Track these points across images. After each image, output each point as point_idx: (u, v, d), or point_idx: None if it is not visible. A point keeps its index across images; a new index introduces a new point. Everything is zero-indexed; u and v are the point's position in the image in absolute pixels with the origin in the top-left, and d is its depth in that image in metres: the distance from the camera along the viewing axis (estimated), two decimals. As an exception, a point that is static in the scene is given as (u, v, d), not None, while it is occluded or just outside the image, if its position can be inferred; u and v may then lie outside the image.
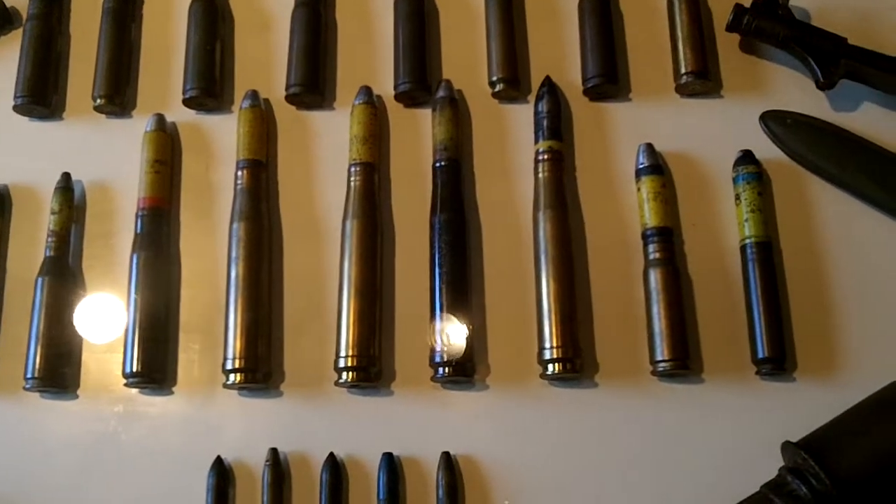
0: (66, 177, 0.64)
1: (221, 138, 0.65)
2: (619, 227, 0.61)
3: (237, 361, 0.58)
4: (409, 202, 0.63)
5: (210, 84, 0.65)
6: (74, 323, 0.62)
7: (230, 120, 0.65)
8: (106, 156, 0.66)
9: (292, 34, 0.65)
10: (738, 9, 0.63)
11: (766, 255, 0.59)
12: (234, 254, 0.61)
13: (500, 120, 0.64)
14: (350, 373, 0.58)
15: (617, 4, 0.67)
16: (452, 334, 0.58)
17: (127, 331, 0.60)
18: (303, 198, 0.64)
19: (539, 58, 0.66)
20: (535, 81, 0.65)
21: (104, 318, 0.62)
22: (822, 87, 0.62)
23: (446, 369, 0.58)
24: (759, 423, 0.57)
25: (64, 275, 0.62)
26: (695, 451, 0.57)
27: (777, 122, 0.63)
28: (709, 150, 0.63)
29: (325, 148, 0.65)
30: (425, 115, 0.65)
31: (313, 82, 0.64)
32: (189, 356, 0.61)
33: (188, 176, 0.65)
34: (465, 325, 0.59)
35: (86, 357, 0.62)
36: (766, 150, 0.62)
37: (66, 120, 0.67)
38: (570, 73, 0.65)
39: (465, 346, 0.58)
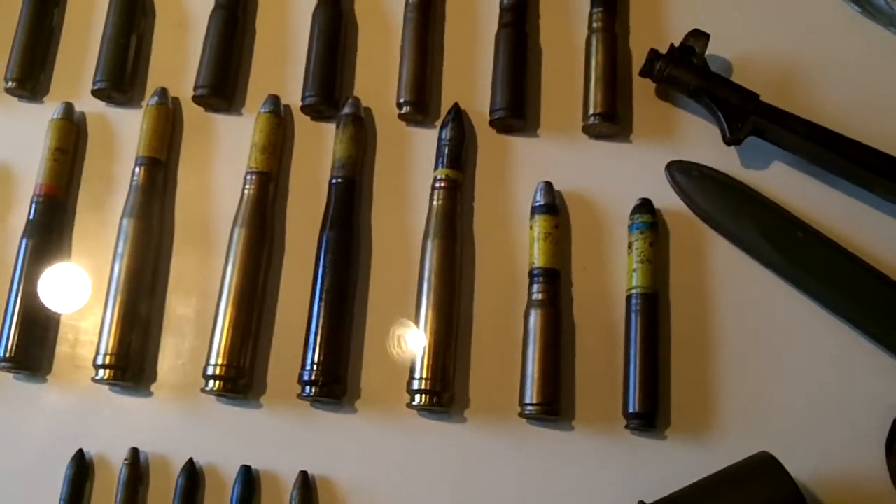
0: (-32, 158, 0.65)
1: (127, 133, 0.65)
2: (509, 263, 0.61)
3: (108, 357, 0.58)
4: (303, 216, 0.62)
5: (119, 78, 0.64)
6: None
7: (138, 115, 0.65)
8: (13, 139, 0.66)
9: (207, 35, 0.65)
10: (653, 54, 0.62)
11: (650, 307, 0.58)
12: (119, 249, 0.60)
13: (405, 143, 0.64)
14: (217, 381, 0.57)
15: (536, 38, 0.66)
16: (324, 354, 0.58)
17: (5, 315, 0.60)
18: (198, 201, 0.63)
19: (451, 84, 0.65)
20: (445, 106, 0.64)
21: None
22: (728, 142, 0.60)
23: (313, 388, 0.57)
24: (624, 477, 0.57)
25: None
26: (557, 499, 0.56)
27: (683, 173, 0.62)
28: (611, 195, 0.62)
29: (227, 153, 0.64)
30: (331, 129, 0.64)
31: (221, 85, 0.64)
32: (65, 347, 0.61)
33: (90, 167, 0.65)
34: (339, 346, 0.58)
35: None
36: (669, 199, 0.62)
37: (-22, 99, 0.69)
38: (481, 103, 0.64)
39: (335, 367, 0.58)
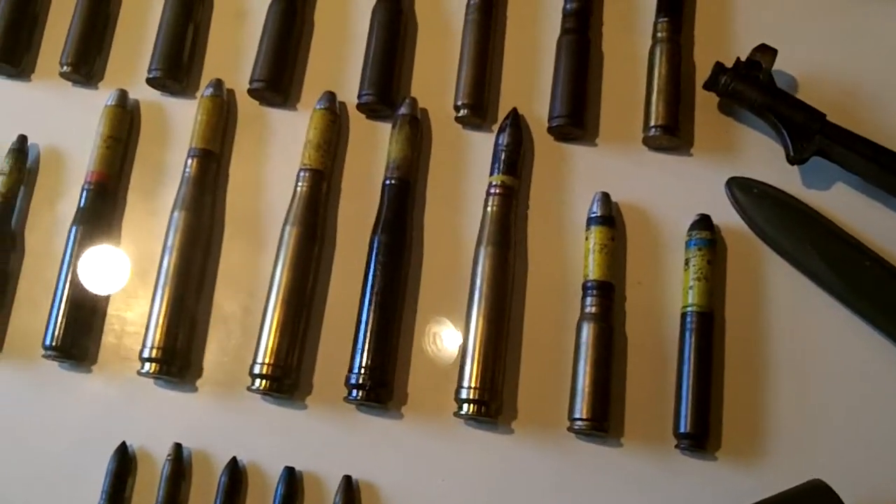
0: (22, 139, 0.63)
1: (181, 123, 0.64)
2: (562, 273, 0.60)
3: (154, 351, 0.58)
4: (355, 215, 0.62)
5: (175, 67, 0.64)
6: (6, 287, 0.61)
7: (193, 105, 0.64)
8: (66, 123, 0.65)
9: (265, 27, 0.64)
10: (718, 68, 0.60)
11: (705, 326, 0.57)
12: (169, 242, 0.60)
13: (461, 146, 0.63)
14: (263, 381, 0.57)
15: (598, 45, 0.65)
16: (373, 357, 0.57)
17: (53, 302, 0.60)
18: (250, 195, 0.63)
19: (510, 88, 0.64)
20: (503, 111, 0.63)
21: (35, 286, 0.61)
22: (791, 161, 0.59)
23: (360, 392, 0.57)
24: (672, 498, 0.56)
25: (3, 240, 0.61)
26: (601, 515, 0.56)
27: (742, 190, 0.61)
28: (668, 208, 0.61)
29: (281, 148, 0.64)
30: (386, 128, 0.63)
31: (277, 81, 0.63)
32: (111, 338, 0.60)
33: (142, 156, 0.64)
34: (387, 350, 0.57)
35: (14, 322, 0.61)
36: (728, 216, 0.60)
37: (33, 82, 0.67)
38: (540, 109, 0.63)
39: (383, 371, 0.57)
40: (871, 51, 0.64)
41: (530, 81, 0.64)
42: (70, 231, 0.61)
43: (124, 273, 0.61)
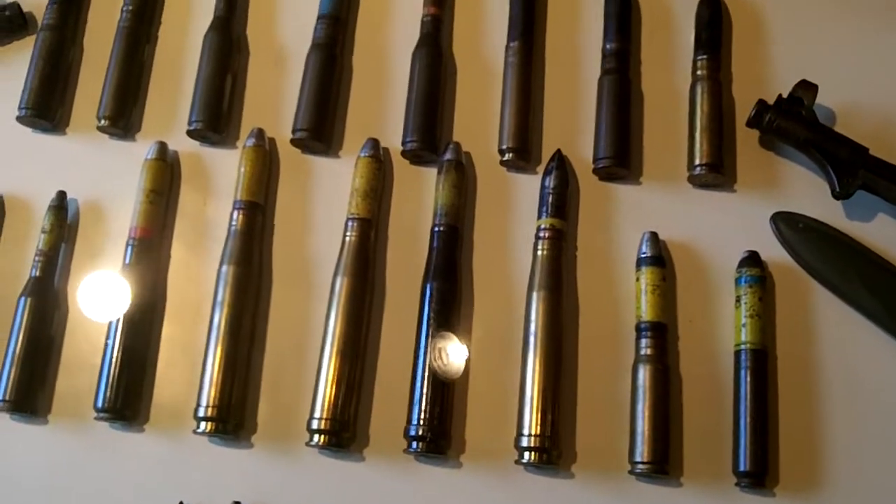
0: (61, 195, 0.63)
1: (222, 173, 0.64)
2: (614, 314, 0.60)
3: (209, 410, 0.57)
4: (404, 262, 0.62)
5: (215, 118, 0.63)
6: (52, 348, 0.60)
7: (233, 155, 0.64)
8: (105, 176, 0.65)
9: (305, 75, 0.64)
10: (761, 105, 0.61)
11: (760, 363, 0.57)
12: (219, 297, 0.59)
13: (506, 189, 0.63)
14: (322, 436, 0.56)
15: (638, 84, 0.65)
16: (431, 408, 0.57)
17: (102, 362, 0.59)
18: (297, 246, 0.62)
19: (553, 129, 0.64)
20: (546, 152, 0.64)
21: (83, 346, 0.61)
22: (836, 196, 0.60)
23: (420, 444, 0.56)
24: (734, 534, 0.57)
25: (47, 297, 0.61)
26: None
27: (788, 225, 0.62)
28: (715, 245, 0.61)
29: (325, 196, 0.63)
30: (431, 173, 0.63)
31: (320, 129, 0.63)
32: (163, 396, 0.59)
33: (184, 208, 0.64)
34: (445, 400, 0.57)
35: (61, 384, 0.60)
36: (774, 251, 0.61)
37: (69, 135, 0.66)
38: (583, 149, 0.63)
39: (441, 421, 0.57)
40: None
41: (573, 121, 0.64)
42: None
43: (173, 329, 0.61)
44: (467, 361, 0.59)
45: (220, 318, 0.59)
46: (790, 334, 0.59)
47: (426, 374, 0.57)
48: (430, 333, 0.58)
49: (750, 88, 0.64)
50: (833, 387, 0.58)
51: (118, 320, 0.59)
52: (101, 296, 0.62)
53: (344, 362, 0.57)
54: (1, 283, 0.62)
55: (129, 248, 0.61)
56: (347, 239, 0.60)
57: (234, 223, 0.61)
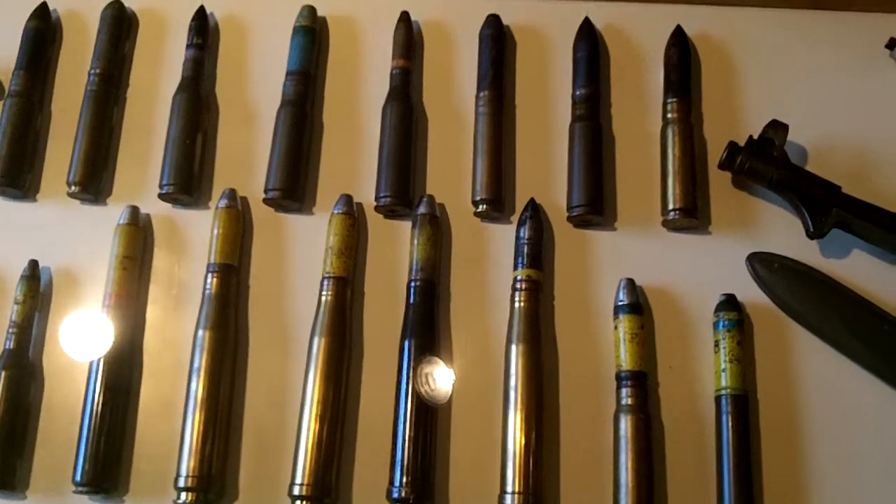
0: (33, 265, 0.62)
1: (196, 234, 0.64)
2: (594, 363, 0.60)
3: (189, 480, 0.56)
4: (381, 319, 0.61)
5: (187, 181, 0.63)
6: (29, 421, 0.59)
7: (206, 216, 0.63)
8: (77, 242, 0.64)
9: (276, 133, 0.64)
10: (733, 147, 0.61)
11: (741, 408, 0.57)
12: (196, 363, 0.59)
13: (481, 239, 0.63)
14: (304, 502, 0.55)
15: (609, 128, 0.65)
16: (413, 469, 0.56)
17: (80, 434, 0.58)
18: (273, 307, 0.62)
19: (525, 177, 0.64)
20: (520, 201, 0.63)
21: (61, 416, 0.60)
22: (811, 236, 0.60)
23: (404, 505, 0.57)
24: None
25: (22, 370, 0.60)
26: None
27: (764, 265, 0.62)
28: (692, 288, 0.61)
29: (300, 254, 0.63)
30: (405, 227, 0.63)
31: (292, 188, 0.62)
32: (143, 465, 0.58)
33: (158, 271, 0.63)
34: (427, 459, 0.56)
35: (39, 457, 0.59)
36: (751, 292, 0.61)
37: (40, 202, 0.65)
38: (557, 196, 0.63)
39: (424, 482, 0.56)
40: (879, 116, 0.65)
41: (545, 169, 0.64)
42: (92, 360, 0.59)
43: (151, 396, 0.60)
44: (448, 417, 0.58)
45: (198, 385, 0.58)
46: (771, 376, 0.59)
47: (407, 433, 0.57)
48: (410, 391, 0.57)
49: (721, 129, 0.65)
50: (816, 429, 0.58)
51: (95, 389, 0.58)
52: (77, 362, 0.61)
53: (324, 426, 0.57)
54: (-25, 356, 0.63)
55: (105, 314, 0.60)
56: (323, 298, 0.60)
57: (208, 287, 0.60)
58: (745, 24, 0.68)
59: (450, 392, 0.58)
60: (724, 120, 0.65)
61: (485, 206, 0.62)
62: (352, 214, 0.62)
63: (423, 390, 0.58)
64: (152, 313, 0.62)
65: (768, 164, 0.60)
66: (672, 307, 0.61)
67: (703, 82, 0.66)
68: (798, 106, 0.64)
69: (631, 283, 0.60)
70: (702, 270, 0.62)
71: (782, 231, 0.62)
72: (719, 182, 0.63)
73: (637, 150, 0.64)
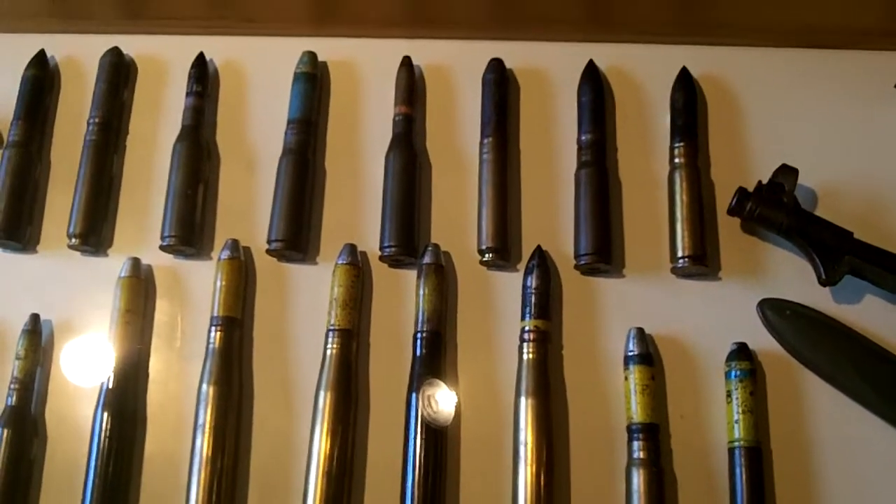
0: (35, 319, 0.61)
1: (198, 285, 0.63)
2: (604, 415, 0.59)
3: (195, 541, 0.57)
4: (387, 370, 0.60)
5: (189, 232, 0.62)
6: (31, 478, 0.58)
7: (208, 267, 0.63)
8: (78, 294, 0.63)
9: (278, 182, 0.63)
10: (742, 193, 0.60)
11: (755, 460, 0.56)
12: (200, 419, 0.58)
13: (487, 287, 0.62)
14: (312, 562, 0.56)
15: (616, 173, 0.64)
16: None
17: (84, 492, 0.57)
18: (277, 360, 0.61)
19: (531, 223, 0.63)
20: (526, 247, 0.62)
21: (64, 472, 0.59)
22: (823, 283, 0.59)
23: (413, 567, 0.56)
24: None
25: (25, 426, 0.59)
26: None
27: (775, 312, 0.61)
28: (702, 336, 0.60)
29: (304, 304, 0.62)
30: (410, 275, 0.62)
31: (295, 238, 0.62)
32: (148, 524, 0.59)
33: (161, 324, 0.62)
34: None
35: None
36: (763, 339, 0.60)
37: (40, 253, 0.64)
38: (563, 243, 0.62)
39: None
40: (889, 157, 0.64)
41: (550, 215, 0.63)
42: (96, 415, 0.58)
43: (155, 452, 0.59)
44: (457, 471, 0.58)
45: (203, 441, 0.57)
46: (784, 425, 0.58)
47: (416, 489, 0.55)
48: (418, 446, 0.56)
49: (729, 171, 0.64)
50: (831, 479, 0.57)
51: (98, 444, 0.57)
52: (81, 418, 0.60)
53: (330, 482, 0.56)
54: (-23, 412, 0.62)
55: (107, 373, 0.59)
56: (329, 352, 0.59)
57: (212, 342, 0.60)
58: (750, 64, 0.67)
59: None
60: (732, 162, 0.64)
61: (491, 255, 0.61)
62: (356, 265, 0.61)
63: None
64: (155, 367, 0.61)
65: (778, 210, 0.59)
66: (682, 355, 0.60)
67: (709, 124, 0.65)
68: (806, 148, 0.64)
69: (641, 333, 0.59)
70: (712, 317, 0.61)
71: (793, 276, 0.61)
72: (728, 227, 0.62)
73: (644, 194, 0.63)
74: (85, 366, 0.62)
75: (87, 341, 0.62)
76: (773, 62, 0.67)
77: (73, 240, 0.63)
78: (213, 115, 0.67)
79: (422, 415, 0.57)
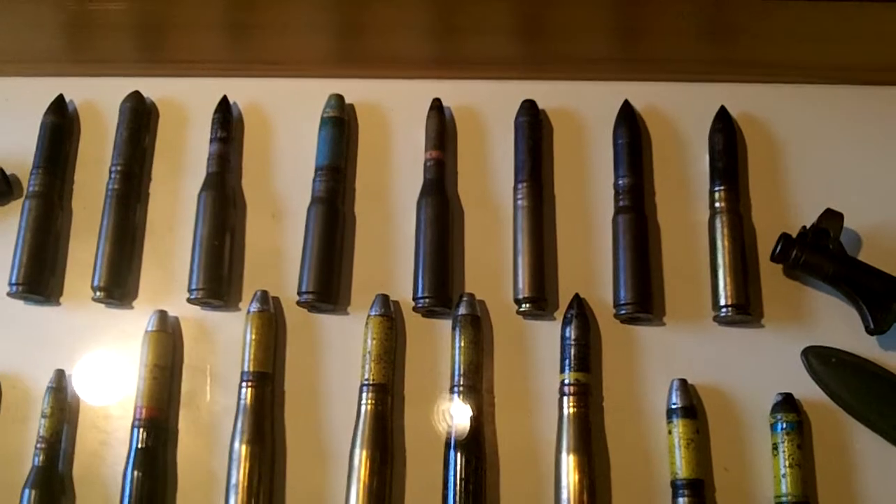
0: (60, 375, 0.60)
1: (226, 337, 0.61)
2: (647, 469, 0.57)
3: None
4: (423, 425, 0.59)
5: (217, 284, 0.60)
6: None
7: (236, 318, 0.61)
8: (104, 347, 0.61)
9: (307, 232, 0.61)
10: (786, 240, 0.59)
11: (803, 517, 0.56)
12: (233, 479, 0.56)
13: (524, 338, 0.60)
14: None
15: (654, 216, 0.62)
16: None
17: (115, 556, 0.57)
18: (310, 414, 0.59)
19: (568, 270, 0.62)
20: (563, 295, 0.61)
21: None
22: (871, 332, 0.57)
23: None
24: None
25: (52, 487, 0.57)
26: None
27: (820, 360, 0.59)
28: (746, 385, 0.59)
29: (336, 356, 0.60)
30: (443, 325, 0.60)
31: (326, 289, 0.60)
32: (181, 588, 0.58)
33: (189, 378, 0.60)
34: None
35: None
36: (807, 388, 0.58)
37: (63, 305, 0.62)
38: (601, 289, 0.61)
39: None
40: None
41: (587, 261, 0.62)
42: (126, 474, 0.57)
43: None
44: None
45: (236, 502, 0.55)
46: (831, 479, 0.57)
47: (456, 551, 0.55)
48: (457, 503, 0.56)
49: (770, 215, 0.62)
50: (881, 533, 0.57)
51: (128, 509, 0.57)
52: (110, 476, 0.58)
53: (369, 545, 0.56)
54: (2, 470, 0.59)
55: (136, 429, 0.57)
56: (363, 407, 0.57)
57: (243, 398, 0.58)
58: (790, 102, 0.65)
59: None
60: (772, 205, 0.62)
61: (528, 305, 0.59)
62: (389, 316, 0.59)
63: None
64: (185, 423, 0.60)
65: (824, 257, 0.58)
66: (725, 405, 0.59)
67: (748, 165, 0.63)
68: (849, 189, 0.62)
69: (684, 385, 0.58)
70: (755, 366, 0.59)
71: (837, 322, 0.60)
72: (770, 272, 0.61)
73: (683, 240, 0.62)
74: (112, 422, 0.60)
75: (114, 397, 0.61)
76: (814, 99, 0.65)
77: (98, 293, 0.61)
78: (238, 160, 0.66)
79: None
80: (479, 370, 0.59)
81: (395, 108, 0.66)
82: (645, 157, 0.64)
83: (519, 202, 0.62)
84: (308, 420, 0.59)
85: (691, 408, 0.57)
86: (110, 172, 0.64)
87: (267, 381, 0.59)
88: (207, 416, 0.60)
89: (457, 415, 0.57)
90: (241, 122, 0.67)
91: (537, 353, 0.60)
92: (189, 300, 0.61)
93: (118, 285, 0.62)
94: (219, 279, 0.61)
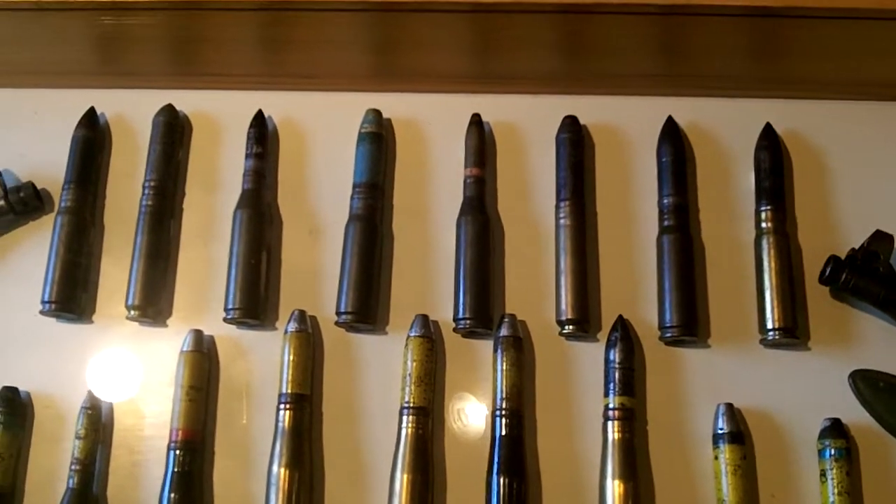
0: (93, 397, 0.59)
1: (263, 356, 0.60)
2: (693, 495, 0.56)
3: None
4: (465, 448, 0.58)
5: (254, 303, 0.59)
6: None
7: (273, 337, 0.60)
8: (137, 366, 0.60)
9: (345, 251, 0.60)
10: (836, 263, 0.58)
11: (853, 545, 0.55)
12: (272, 501, 0.55)
13: (567, 360, 0.59)
14: None
15: (699, 236, 0.61)
16: None
17: (152, 581, 0.56)
18: (349, 436, 0.58)
19: (611, 290, 0.61)
20: (606, 316, 0.60)
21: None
22: (922, 357, 0.57)
23: None
24: None
25: (87, 508, 0.59)
26: None
27: (867, 384, 0.58)
28: (792, 409, 0.58)
29: (374, 376, 0.59)
30: (484, 346, 0.59)
31: (365, 309, 0.59)
32: None
33: (225, 399, 0.59)
34: None
35: None
36: (855, 412, 0.57)
37: (96, 323, 0.61)
38: (645, 310, 0.60)
39: None
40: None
41: (631, 282, 0.61)
42: (162, 497, 0.56)
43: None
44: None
45: (275, 529, 0.56)
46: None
47: (499, 578, 0.55)
48: (501, 532, 0.55)
49: (817, 235, 0.61)
50: (931, 561, 0.56)
51: (166, 536, 0.56)
52: (145, 500, 0.58)
53: (412, 571, 0.55)
54: (36, 492, 0.58)
55: (172, 452, 0.57)
56: (404, 431, 0.56)
57: (281, 420, 0.57)
58: (836, 118, 0.64)
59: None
60: (819, 225, 0.61)
61: (571, 327, 0.58)
62: (429, 337, 0.58)
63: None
64: (222, 446, 0.58)
65: (874, 280, 0.57)
66: (772, 430, 0.58)
67: (794, 183, 0.62)
68: (890, 204, 0.61)
69: (730, 409, 0.57)
70: (802, 390, 0.58)
71: (886, 346, 0.59)
72: (817, 294, 0.60)
73: (728, 260, 0.61)
74: (146, 443, 0.59)
75: (148, 417, 0.60)
76: (861, 116, 0.64)
77: (132, 311, 0.60)
78: (273, 175, 0.64)
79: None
80: (521, 394, 0.58)
81: (434, 123, 0.65)
82: (689, 174, 0.62)
83: (561, 221, 0.60)
84: (347, 443, 0.59)
85: (738, 433, 0.56)
86: (143, 188, 0.63)
87: (305, 402, 0.58)
88: (244, 437, 0.59)
89: (499, 438, 0.57)
90: (276, 136, 0.66)
91: (580, 375, 0.59)
92: (225, 319, 0.60)
93: (152, 303, 0.61)
94: (255, 298, 0.60)
